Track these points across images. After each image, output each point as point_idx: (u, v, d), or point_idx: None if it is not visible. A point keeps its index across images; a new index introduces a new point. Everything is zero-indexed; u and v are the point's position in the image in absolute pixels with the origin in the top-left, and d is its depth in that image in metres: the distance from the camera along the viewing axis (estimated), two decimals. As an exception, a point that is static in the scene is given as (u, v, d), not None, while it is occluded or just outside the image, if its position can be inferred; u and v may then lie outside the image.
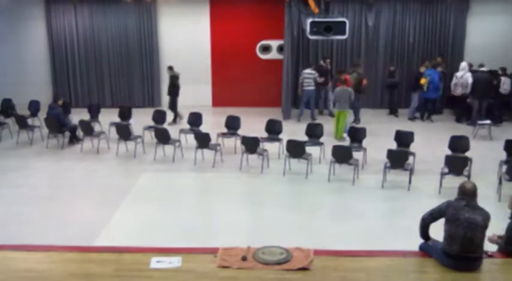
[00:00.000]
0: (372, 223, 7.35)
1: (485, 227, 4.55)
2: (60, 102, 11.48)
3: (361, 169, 9.33)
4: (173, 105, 12.81)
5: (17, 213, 7.62)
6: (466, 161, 8.40)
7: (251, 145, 9.49)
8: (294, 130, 11.06)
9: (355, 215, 7.60)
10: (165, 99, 15.07)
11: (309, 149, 9.47)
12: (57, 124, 11.02)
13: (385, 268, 4.59)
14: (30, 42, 15.21)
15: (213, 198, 8.45)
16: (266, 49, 15.21)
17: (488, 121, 11.88)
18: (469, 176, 8.11)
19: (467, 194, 4.65)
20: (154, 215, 7.57)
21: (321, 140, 10.15)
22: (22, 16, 14.98)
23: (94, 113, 12.39)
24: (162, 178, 9.38)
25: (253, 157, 9.72)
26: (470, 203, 4.60)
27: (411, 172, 8.69)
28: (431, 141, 11.10)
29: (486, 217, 4.58)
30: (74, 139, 11.35)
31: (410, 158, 9.15)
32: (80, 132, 11.37)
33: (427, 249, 4.80)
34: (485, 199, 8.01)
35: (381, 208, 8.00)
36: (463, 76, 12.98)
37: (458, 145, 9.24)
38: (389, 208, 8.07)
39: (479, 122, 11.99)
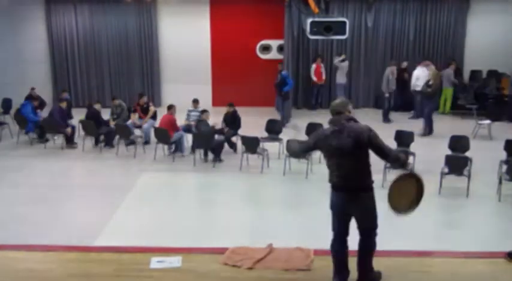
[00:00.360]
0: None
1: (359, 148, 4.16)
2: (64, 104, 11.50)
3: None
4: None
5: (17, 213, 7.61)
6: (466, 161, 8.40)
7: (251, 144, 9.48)
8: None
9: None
10: (165, 99, 15.13)
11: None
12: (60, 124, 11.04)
13: (385, 268, 4.59)
14: (31, 42, 15.21)
15: (213, 198, 8.44)
16: (266, 49, 15.22)
17: (488, 121, 11.88)
18: (469, 176, 8.11)
19: (331, 113, 4.28)
20: (155, 215, 7.56)
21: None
22: (22, 16, 14.98)
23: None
24: (162, 178, 9.37)
25: (253, 157, 9.71)
26: (336, 127, 4.23)
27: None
28: (431, 141, 11.10)
29: (358, 137, 4.13)
30: (69, 143, 11.15)
31: (411, 158, 9.14)
32: (80, 133, 11.39)
33: None
34: (486, 199, 8.07)
35: (381, 208, 7.98)
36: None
37: (458, 144, 9.23)
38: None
39: (479, 122, 11.99)
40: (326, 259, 4.59)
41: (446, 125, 12.85)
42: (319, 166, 9.60)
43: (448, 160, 8.37)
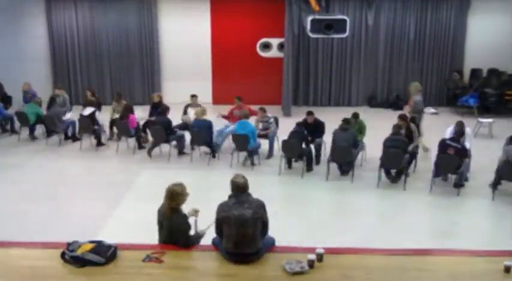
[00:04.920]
0: (371, 221, 7.36)
1: (257, 218, 4.60)
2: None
3: (359, 166, 9.32)
4: None
5: (18, 210, 7.62)
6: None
7: (241, 142, 9.45)
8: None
9: (354, 213, 7.60)
10: (166, 96, 15.12)
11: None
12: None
13: (385, 266, 4.59)
14: (31, 39, 15.20)
15: (213, 196, 8.37)
16: (266, 47, 15.21)
17: (489, 119, 11.88)
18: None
19: (240, 189, 4.78)
20: (155, 212, 7.55)
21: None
22: (22, 13, 14.96)
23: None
24: (162, 175, 9.35)
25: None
26: (239, 198, 4.70)
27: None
28: (430, 140, 11.08)
29: (257, 208, 4.64)
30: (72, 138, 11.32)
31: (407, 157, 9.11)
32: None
33: (218, 244, 4.85)
34: (486, 198, 8.06)
35: (379, 206, 8.01)
36: None
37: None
38: (388, 206, 8.06)
39: (480, 120, 11.99)
40: (325, 257, 4.58)
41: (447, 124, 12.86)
42: (317, 166, 9.61)
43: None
